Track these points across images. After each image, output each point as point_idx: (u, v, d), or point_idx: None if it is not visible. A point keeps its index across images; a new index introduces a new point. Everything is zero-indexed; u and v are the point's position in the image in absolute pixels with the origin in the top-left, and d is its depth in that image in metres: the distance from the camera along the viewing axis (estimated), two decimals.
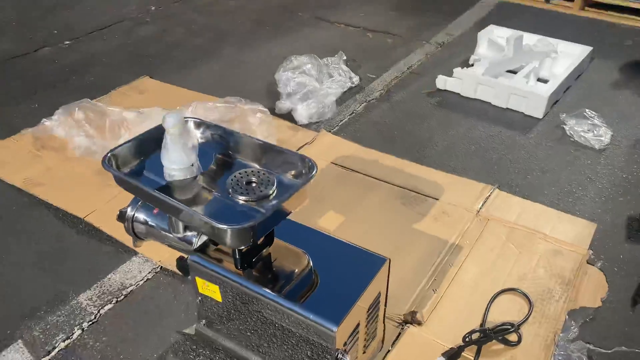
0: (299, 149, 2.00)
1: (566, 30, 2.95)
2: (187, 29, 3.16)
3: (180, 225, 1.23)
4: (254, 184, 1.12)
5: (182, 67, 2.72)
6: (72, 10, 3.40)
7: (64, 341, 1.35)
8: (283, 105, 2.23)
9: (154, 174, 1.17)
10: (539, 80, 2.46)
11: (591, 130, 2.10)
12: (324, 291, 1.09)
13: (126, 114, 2.14)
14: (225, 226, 0.96)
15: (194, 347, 1.32)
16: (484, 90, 2.36)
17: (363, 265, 1.13)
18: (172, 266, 1.54)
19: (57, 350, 1.33)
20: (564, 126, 2.16)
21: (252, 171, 1.15)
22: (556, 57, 2.50)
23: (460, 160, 2.01)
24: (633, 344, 1.35)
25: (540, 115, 2.26)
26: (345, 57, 2.57)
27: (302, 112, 2.19)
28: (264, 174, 1.15)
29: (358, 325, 1.10)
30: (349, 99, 2.38)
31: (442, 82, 2.45)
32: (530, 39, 2.57)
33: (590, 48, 2.58)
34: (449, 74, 2.45)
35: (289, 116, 2.23)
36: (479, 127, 2.21)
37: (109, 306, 1.44)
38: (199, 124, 1.24)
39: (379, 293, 1.16)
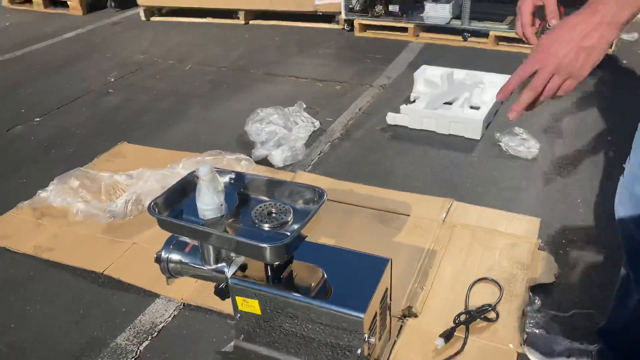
0: None
1: (486, 63, 3.42)
2: (149, 95, 3.40)
3: (212, 258, 1.46)
4: (274, 214, 1.38)
5: (154, 130, 2.94)
6: (33, 89, 3.56)
7: None
8: (259, 152, 2.51)
9: (189, 214, 1.40)
10: (471, 107, 2.88)
11: (522, 144, 2.51)
12: (344, 290, 1.34)
13: (117, 178, 2.34)
14: (267, 245, 1.22)
15: None
16: (428, 121, 2.74)
17: (371, 266, 1.41)
18: (194, 302, 1.75)
19: None
20: (500, 143, 2.56)
21: (270, 204, 1.42)
22: (483, 87, 2.94)
23: (419, 182, 2.34)
24: (584, 306, 1.68)
25: (478, 137, 2.65)
26: (304, 106, 2.89)
27: (277, 157, 2.47)
28: (280, 205, 1.41)
29: (376, 314, 1.36)
30: (315, 141, 2.69)
31: (392, 118, 2.81)
32: (459, 74, 3.00)
33: (509, 76, 3.03)
34: (396, 110, 2.82)
35: (265, 161, 2.50)
36: (429, 153, 2.57)
37: (146, 342, 1.62)
38: (222, 171, 1.49)
39: (386, 288, 1.43)
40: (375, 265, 1.41)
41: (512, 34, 3.74)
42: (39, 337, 1.67)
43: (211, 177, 1.36)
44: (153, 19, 4.93)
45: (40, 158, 2.71)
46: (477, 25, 3.89)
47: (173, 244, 1.53)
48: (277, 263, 1.34)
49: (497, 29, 3.81)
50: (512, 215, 2.08)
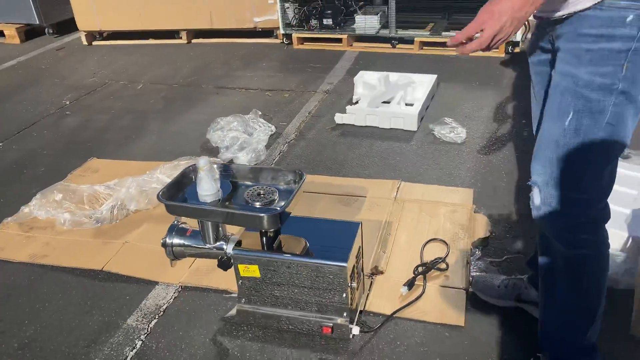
0: None
1: (414, 65, 3.86)
2: (108, 114, 3.57)
3: (212, 237, 1.73)
4: (262, 195, 1.68)
5: (119, 146, 3.13)
6: None
7: (132, 351, 1.74)
8: (226, 156, 2.78)
9: (191, 199, 1.67)
10: (407, 104, 3.28)
11: (452, 132, 2.92)
12: (328, 248, 1.65)
13: (97, 188, 2.53)
14: (264, 214, 1.51)
15: (235, 326, 1.79)
16: (371, 118, 3.11)
17: (346, 229, 1.73)
18: (191, 283, 2.00)
19: (129, 357, 1.72)
20: (433, 132, 2.96)
21: (258, 187, 1.71)
22: (414, 86, 3.35)
23: (370, 169, 2.70)
24: (513, 252, 2.08)
25: (415, 128, 3.05)
26: (260, 113, 3.18)
27: (242, 159, 2.75)
28: (266, 187, 1.71)
29: (354, 267, 1.67)
30: (274, 143, 2.99)
31: (340, 118, 3.16)
32: (393, 76, 3.40)
33: (435, 76, 3.47)
34: (342, 111, 3.17)
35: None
36: (375, 145, 2.94)
37: (155, 320, 1.86)
38: (216, 163, 1.76)
39: (360, 247, 1.75)
40: (349, 229, 1.73)
41: (433, 39, 4.22)
42: (54, 328, 1.86)
43: (209, 167, 1.64)
44: (95, 43, 5.07)
45: (13, 179, 2.84)
46: (403, 33, 4.34)
47: (175, 230, 1.79)
48: (271, 230, 1.63)
49: (421, 35, 4.27)
50: (450, 189, 2.47)
